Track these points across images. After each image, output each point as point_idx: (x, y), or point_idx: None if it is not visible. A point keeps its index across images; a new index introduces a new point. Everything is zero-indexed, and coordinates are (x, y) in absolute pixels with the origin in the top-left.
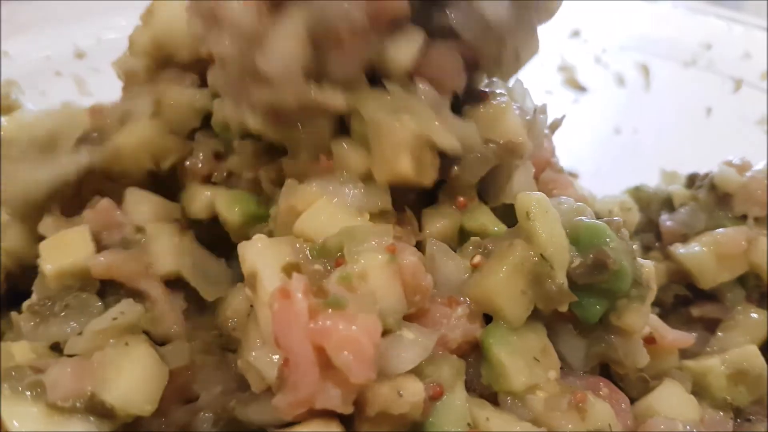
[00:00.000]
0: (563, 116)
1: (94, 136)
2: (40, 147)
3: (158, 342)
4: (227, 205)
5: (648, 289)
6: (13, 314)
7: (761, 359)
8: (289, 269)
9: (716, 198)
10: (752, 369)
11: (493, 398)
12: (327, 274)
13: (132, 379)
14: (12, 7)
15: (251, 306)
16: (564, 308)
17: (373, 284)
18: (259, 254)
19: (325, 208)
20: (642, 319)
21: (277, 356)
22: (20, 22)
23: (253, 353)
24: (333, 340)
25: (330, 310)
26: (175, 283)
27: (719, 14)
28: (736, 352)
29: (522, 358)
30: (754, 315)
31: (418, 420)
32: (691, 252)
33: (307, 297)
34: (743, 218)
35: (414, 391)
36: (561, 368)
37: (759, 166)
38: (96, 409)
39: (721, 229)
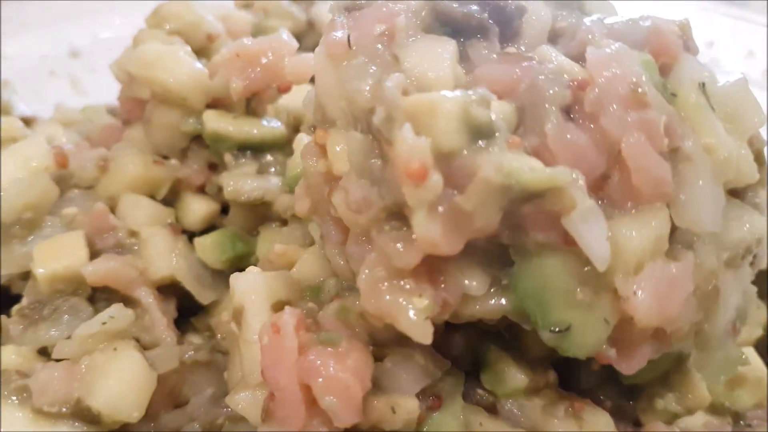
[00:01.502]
0: None
1: (74, 193)
2: (28, 224)
3: (147, 347)
4: (209, 250)
5: (691, 413)
6: (2, 318)
7: (760, 361)
8: (280, 307)
9: None
10: (751, 372)
11: (491, 408)
12: (321, 309)
13: (120, 385)
14: (7, 7)
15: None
16: (595, 366)
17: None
18: (250, 289)
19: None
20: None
21: (260, 394)
22: (15, 21)
23: (236, 396)
24: (320, 381)
25: (321, 346)
26: (168, 290)
27: (723, 12)
28: None
29: (522, 359)
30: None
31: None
32: None
33: (299, 333)
34: None
35: (409, 409)
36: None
37: None
38: (82, 414)
39: None
